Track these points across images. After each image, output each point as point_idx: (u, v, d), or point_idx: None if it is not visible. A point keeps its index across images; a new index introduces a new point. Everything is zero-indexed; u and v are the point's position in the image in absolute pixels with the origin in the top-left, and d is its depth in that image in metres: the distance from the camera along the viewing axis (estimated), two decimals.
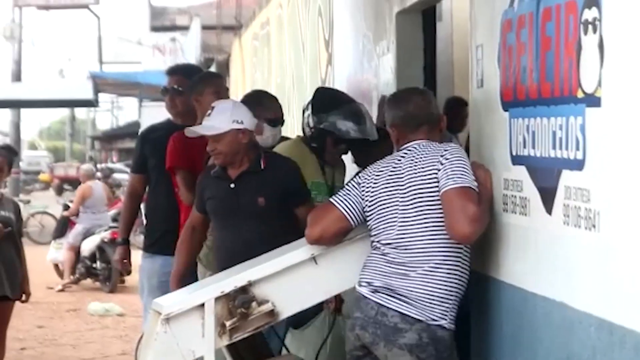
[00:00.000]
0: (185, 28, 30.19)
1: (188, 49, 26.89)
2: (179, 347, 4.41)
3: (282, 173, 5.16)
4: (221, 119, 5.06)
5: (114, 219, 21.52)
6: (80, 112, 64.45)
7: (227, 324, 4.45)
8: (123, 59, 45.86)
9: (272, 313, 4.52)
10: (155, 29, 35.61)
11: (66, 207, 22.36)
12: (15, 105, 34.44)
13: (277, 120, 5.81)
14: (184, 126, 5.73)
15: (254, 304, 4.48)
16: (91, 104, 33.70)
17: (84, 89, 28.69)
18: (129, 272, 7.37)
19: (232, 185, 5.13)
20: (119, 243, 6.72)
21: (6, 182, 7.04)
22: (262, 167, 5.13)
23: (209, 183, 5.23)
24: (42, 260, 14.71)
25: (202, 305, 4.44)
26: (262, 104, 5.74)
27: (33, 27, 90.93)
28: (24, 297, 7.48)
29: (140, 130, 6.61)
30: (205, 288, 4.58)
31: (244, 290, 4.49)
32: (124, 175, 30.71)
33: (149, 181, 6.40)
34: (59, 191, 40.00)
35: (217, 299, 4.45)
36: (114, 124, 61.58)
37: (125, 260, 6.63)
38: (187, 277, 5.33)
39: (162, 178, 6.14)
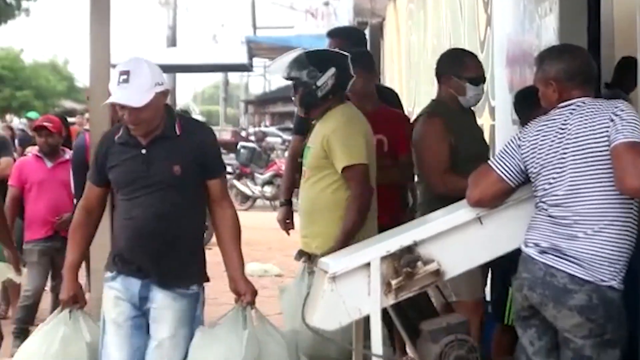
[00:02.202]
0: None
1: (341, 13, 26.91)
2: (345, 305, 4.48)
3: (200, 140, 4.67)
4: (142, 84, 4.50)
5: (269, 182, 22.00)
6: (234, 77, 65.32)
7: (393, 283, 4.49)
8: (276, 24, 46.26)
9: (437, 273, 4.55)
10: None
11: None
12: (171, 70, 35.03)
13: (479, 78, 5.72)
14: None
15: (419, 263, 4.51)
16: (246, 68, 34.17)
17: (239, 54, 29.11)
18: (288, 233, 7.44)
19: (144, 151, 4.60)
20: (282, 204, 6.83)
21: None
22: (178, 132, 4.63)
23: (112, 150, 4.66)
24: None
25: (368, 264, 4.49)
26: (463, 63, 5.70)
27: None
28: None
29: None
30: (371, 247, 4.63)
31: (409, 249, 4.53)
32: (277, 138, 31.11)
33: None
34: None
35: (382, 258, 4.50)
36: (267, 88, 62.19)
37: (288, 221, 6.71)
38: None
39: None
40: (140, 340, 4.70)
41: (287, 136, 31.44)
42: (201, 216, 4.72)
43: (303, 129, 6.47)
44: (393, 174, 5.98)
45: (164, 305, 4.64)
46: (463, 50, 6.35)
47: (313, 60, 5.46)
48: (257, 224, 18.07)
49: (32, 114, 20.08)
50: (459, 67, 5.60)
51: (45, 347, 4.74)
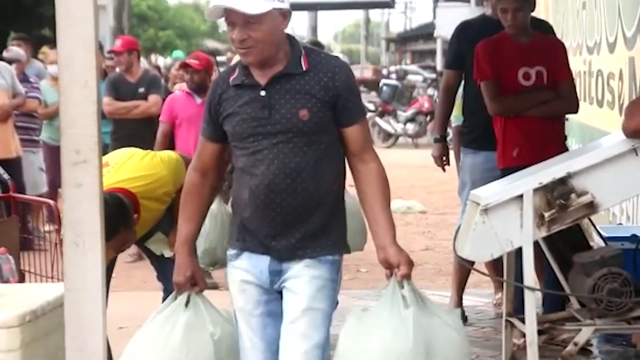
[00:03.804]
0: None
1: None
2: (497, 237, 4.47)
3: (333, 78, 3.69)
4: None
5: (411, 119, 21.98)
6: (374, 15, 65.21)
7: (546, 215, 4.46)
8: None
9: (591, 205, 4.49)
10: None
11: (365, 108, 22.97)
12: (312, 7, 35.14)
13: None
14: (499, 21, 5.75)
15: (573, 195, 4.46)
16: (388, 5, 34.09)
17: None
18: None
19: (263, 93, 3.68)
20: (437, 140, 6.71)
21: None
22: (304, 68, 3.69)
23: (226, 95, 3.77)
24: None
25: (521, 196, 4.46)
26: None
27: None
28: None
29: (456, 27, 6.56)
30: (524, 179, 4.60)
31: (562, 181, 4.48)
32: (418, 76, 30.97)
33: (463, 76, 6.42)
34: None
35: (535, 190, 4.47)
36: (407, 26, 61.89)
37: (444, 157, 6.63)
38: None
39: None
40: (278, 330, 3.77)
41: (429, 74, 31.28)
42: (338, 171, 3.76)
43: (457, 63, 6.42)
44: (557, 106, 5.85)
45: (297, 274, 3.71)
46: None
47: None
48: (400, 162, 18.14)
49: (178, 53, 20.43)
50: None
51: (163, 338, 3.86)
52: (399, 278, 3.65)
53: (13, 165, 9.05)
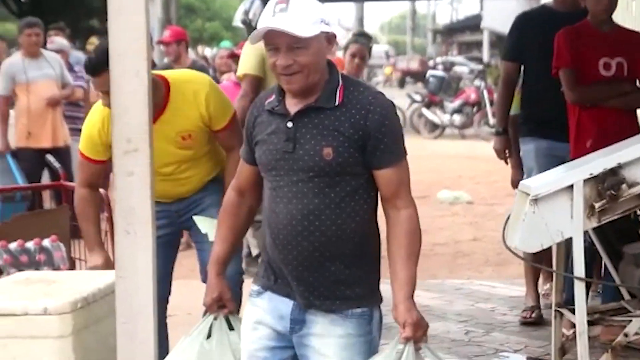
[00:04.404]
0: None
1: None
2: (547, 227, 4.44)
3: (364, 115, 3.29)
4: (305, 13, 3.28)
5: (458, 110, 21.91)
6: (421, 6, 64.99)
7: (596, 206, 4.43)
8: None
9: None
10: None
11: (412, 99, 22.97)
12: None
13: None
14: (564, 13, 5.72)
15: (623, 186, 4.43)
16: None
17: None
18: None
19: (290, 125, 3.34)
20: (498, 133, 6.59)
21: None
22: (337, 102, 3.32)
23: (260, 119, 3.46)
24: None
25: (571, 186, 4.44)
26: None
27: None
28: None
29: (516, 18, 6.50)
30: (574, 170, 4.57)
31: (613, 172, 4.45)
32: (464, 68, 30.89)
33: (520, 70, 6.36)
34: (401, 84, 40.81)
35: (585, 180, 4.44)
36: (454, 17, 61.65)
37: (506, 151, 6.53)
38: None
39: (538, 66, 6.11)
40: None
41: (475, 65, 31.16)
42: (368, 216, 3.38)
43: (517, 54, 6.35)
44: (636, 99, 5.73)
45: (322, 332, 3.37)
46: None
47: None
48: (447, 152, 18.11)
49: (226, 44, 20.48)
50: None
51: None
52: (402, 340, 3.24)
53: (62, 154, 9.16)
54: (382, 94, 3.40)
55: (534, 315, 6.37)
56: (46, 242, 5.42)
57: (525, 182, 4.69)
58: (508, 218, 4.72)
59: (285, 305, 3.41)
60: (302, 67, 3.26)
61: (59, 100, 9.39)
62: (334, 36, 3.36)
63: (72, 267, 5.71)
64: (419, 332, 3.24)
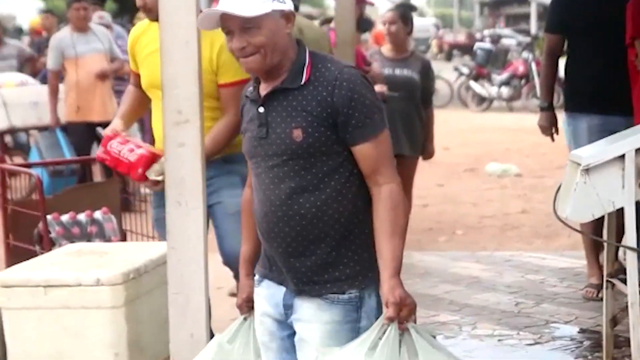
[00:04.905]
0: None
1: None
2: (599, 197, 4.41)
3: (330, 91, 3.16)
4: None
5: (506, 83, 21.76)
6: None
7: None
8: None
9: None
10: None
11: (459, 72, 22.84)
12: None
13: None
14: None
15: None
16: None
17: None
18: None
19: (261, 110, 3.25)
20: (543, 108, 6.46)
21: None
22: (303, 81, 3.20)
23: (244, 109, 3.40)
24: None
25: (622, 156, 4.40)
26: None
27: None
28: (424, 155, 7.55)
29: None
30: (626, 139, 4.52)
31: None
32: (512, 40, 30.63)
33: (564, 41, 6.29)
34: (449, 57, 40.61)
35: (637, 150, 4.40)
36: None
37: (553, 127, 6.42)
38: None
39: (585, 39, 6.06)
40: None
41: (522, 38, 30.90)
42: (350, 194, 3.23)
43: (560, 27, 6.27)
44: None
45: (307, 317, 3.28)
46: None
47: None
48: (494, 125, 18.01)
49: None
50: None
51: None
52: (385, 321, 3.07)
53: None
54: (352, 67, 3.26)
55: (600, 295, 5.98)
56: (97, 214, 5.48)
57: (576, 152, 4.65)
58: (559, 189, 4.69)
59: (279, 292, 3.33)
60: (257, 47, 3.14)
61: (108, 74, 9.44)
62: (292, 13, 3.22)
63: (124, 238, 5.76)
64: (403, 311, 3.08)
